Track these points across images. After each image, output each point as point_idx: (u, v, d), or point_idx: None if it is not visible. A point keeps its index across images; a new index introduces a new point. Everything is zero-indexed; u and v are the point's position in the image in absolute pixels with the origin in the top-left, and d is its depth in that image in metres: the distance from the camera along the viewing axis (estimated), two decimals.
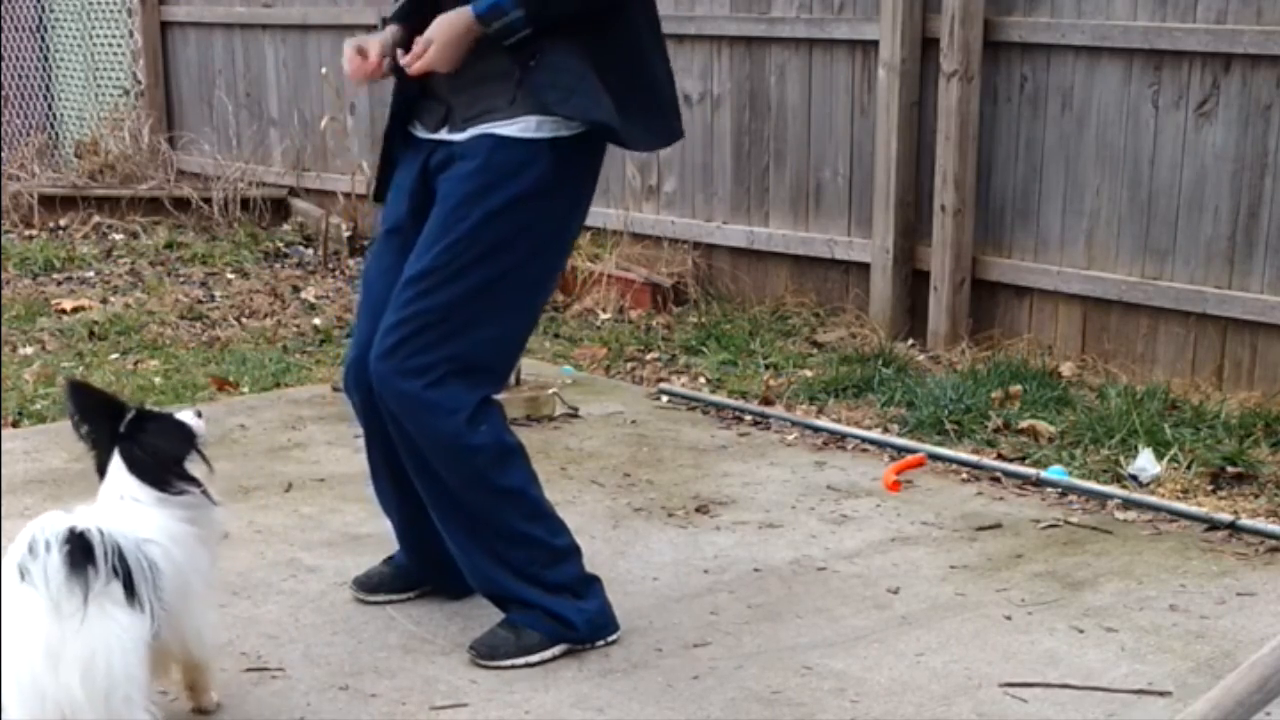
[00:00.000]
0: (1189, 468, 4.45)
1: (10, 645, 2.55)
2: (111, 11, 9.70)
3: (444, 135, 3.17)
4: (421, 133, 3.23)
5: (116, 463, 2.89)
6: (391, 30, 3.20)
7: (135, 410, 2.95)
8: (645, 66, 3.14)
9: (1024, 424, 4.88)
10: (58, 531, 2.51)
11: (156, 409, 3.05)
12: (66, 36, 9.99)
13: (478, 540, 3.24)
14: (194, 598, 2.88)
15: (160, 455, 2.90)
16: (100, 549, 2.54)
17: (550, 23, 3.00)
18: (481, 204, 3.08)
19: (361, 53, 3.17)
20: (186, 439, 2.98)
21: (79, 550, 2.52)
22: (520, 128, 3.07)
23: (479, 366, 3.16)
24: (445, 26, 3.04)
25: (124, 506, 2.83)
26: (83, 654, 2.54)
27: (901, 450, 4.75)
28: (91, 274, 7.59)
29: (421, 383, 3.10)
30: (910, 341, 5.93)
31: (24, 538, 2.54)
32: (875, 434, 4.91)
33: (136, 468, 2.87)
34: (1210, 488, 4.36)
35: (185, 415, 3.03)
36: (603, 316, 6.57)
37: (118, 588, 2.58)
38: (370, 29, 9.23)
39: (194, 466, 2.97)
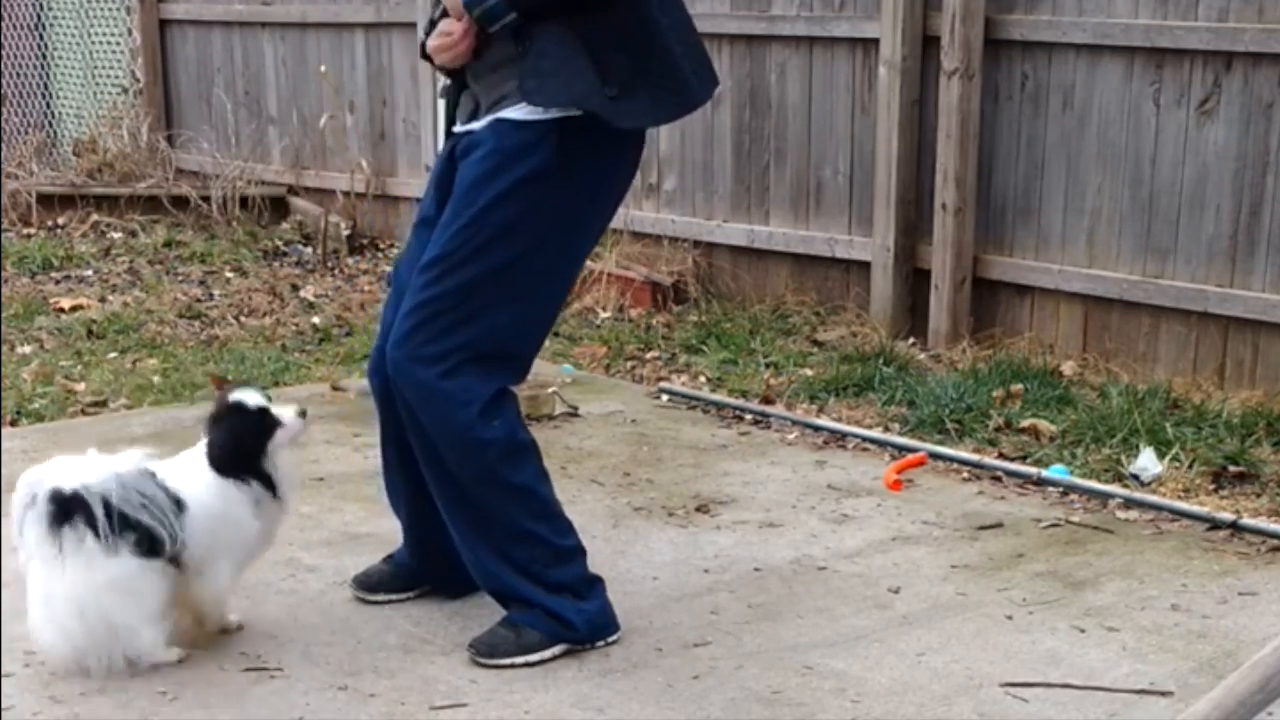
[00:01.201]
0: (1190, 467, 4.44)
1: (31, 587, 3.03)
2: (110, 9, 9.69)
3: (471, 125, 3.17)
4: (458, 126, 3.23)
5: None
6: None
7: (233, 403, 3.25)
8: (654, 39, 3.08)
9: (1025, 423, 4.87)
10: (44, 489, 2.95)
11: (253, 403, 3.25)
12: (65, 34, 9.98)
13: (483, 535, 3.23)
14: (216, 558, 3.19)
15: (227, 447, 3.20)
16: (81, 502, 2.94)
17: (537, 7, 2.99)
18: (490, 187, 3.07)
19: (446, 33, 3.13)
20: (261, 436, 3.22)
21: (61, 507, 2.94)
22: (527, 110, 3.06)
23: (493, 355, 3.14)
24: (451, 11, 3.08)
25: (189, 462, 3.20)
26: (70, 594, 2.98)
27: (902, 449, 4.74)
28: (90, 272, 7.58)
29: (435, 371, 3.09)
30: (911, 340, 5.92)
31: (21, 488, 2.99)
32: (876, 433, 4.90)
33: (209, 452, 3.21)
34: (1212, 487, 4.35)
35: (285, 411, 3.27)
36: (603, 315, 6.56)
37: (89, 534, 2.96)
38: (369, 27, 9.21)
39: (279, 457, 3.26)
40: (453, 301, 3.09)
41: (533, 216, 3.09)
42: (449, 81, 3.25)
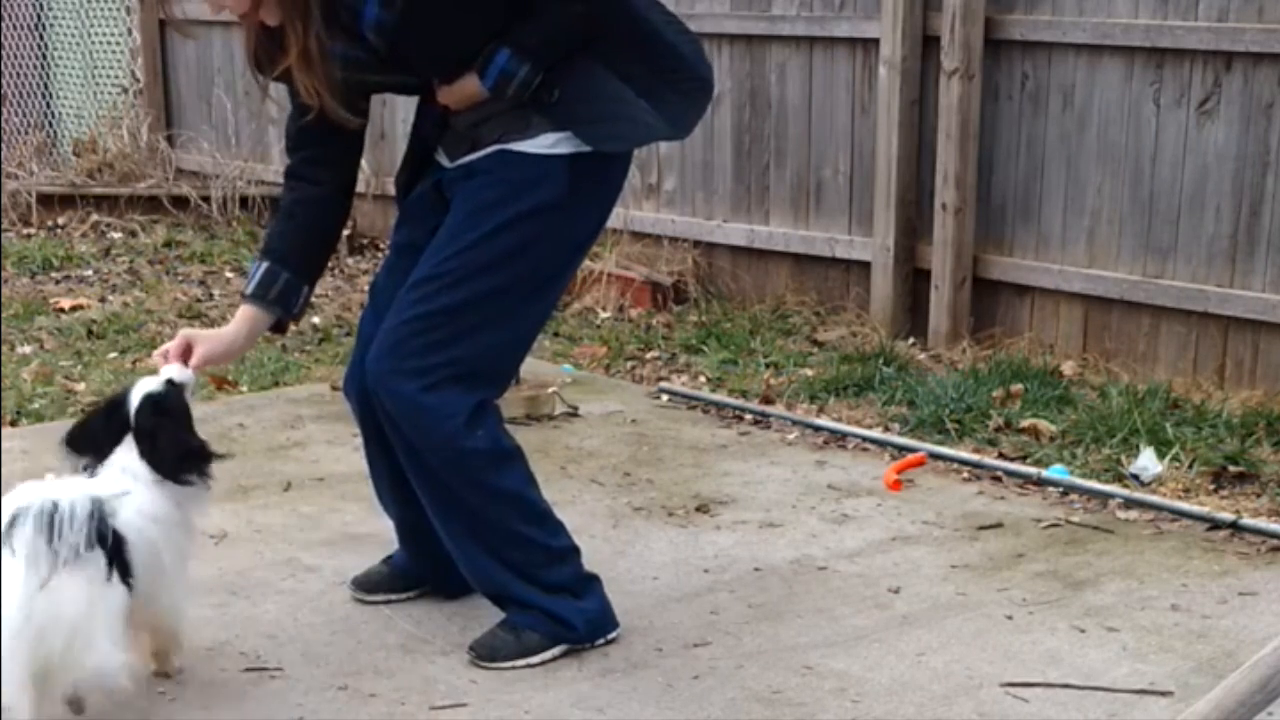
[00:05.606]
0: (1190, 467, 4.44)
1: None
2: (110, 9, 9.68)
3: (469, 158, 3.17)
4: (445, 161, 3.23)
5: (128, 443, 2.98)
6: (243, 316, 3.24)
7: (146, 396, 3.01)
8: (657, 37, 3.10)
9: (1025, 423, 4.87)
10: (35, 504, 2.68)
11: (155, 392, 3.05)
12: (65, 34, 9.97)
13: (476, 541, 3.22)
14: (166, 574, 2.96)
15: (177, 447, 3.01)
16: (67, 519, 2.69)
17: (560, 59, 3.01)
18: (495, 215, 3.07)
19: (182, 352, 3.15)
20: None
21: (50, 520, 2.68)
22: (538, 144, 3.06)
23: (479, 371, 3.14)
24: (455, 97, 3.09)
25: (118, 480, 2.93)
26: (50, 611, 2.67)
27: (902, 449, 4.74)
28: (90, 272, 7.58)
29: (418, 385, 3.09)
30: (911, 340, 5.92)
31: (6, 509, 2.70)
32: (876, 433, 4.90)
33: (151, 456, 2.97)
34: (1212, 487, 4.35)
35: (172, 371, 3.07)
36: (603, 315, 6.56)
37: (93, 554, 2.71)
38: None
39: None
40: (442, 319, 3.09)
41: (536, 244, 3.10)
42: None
